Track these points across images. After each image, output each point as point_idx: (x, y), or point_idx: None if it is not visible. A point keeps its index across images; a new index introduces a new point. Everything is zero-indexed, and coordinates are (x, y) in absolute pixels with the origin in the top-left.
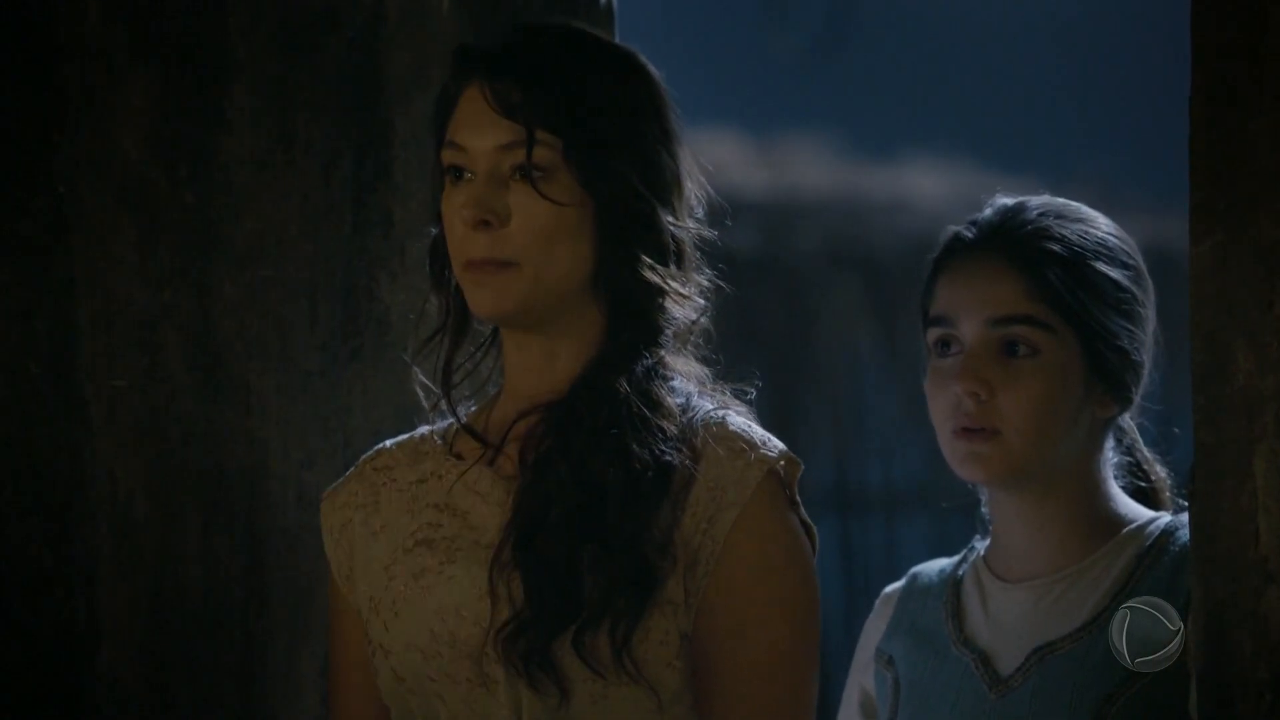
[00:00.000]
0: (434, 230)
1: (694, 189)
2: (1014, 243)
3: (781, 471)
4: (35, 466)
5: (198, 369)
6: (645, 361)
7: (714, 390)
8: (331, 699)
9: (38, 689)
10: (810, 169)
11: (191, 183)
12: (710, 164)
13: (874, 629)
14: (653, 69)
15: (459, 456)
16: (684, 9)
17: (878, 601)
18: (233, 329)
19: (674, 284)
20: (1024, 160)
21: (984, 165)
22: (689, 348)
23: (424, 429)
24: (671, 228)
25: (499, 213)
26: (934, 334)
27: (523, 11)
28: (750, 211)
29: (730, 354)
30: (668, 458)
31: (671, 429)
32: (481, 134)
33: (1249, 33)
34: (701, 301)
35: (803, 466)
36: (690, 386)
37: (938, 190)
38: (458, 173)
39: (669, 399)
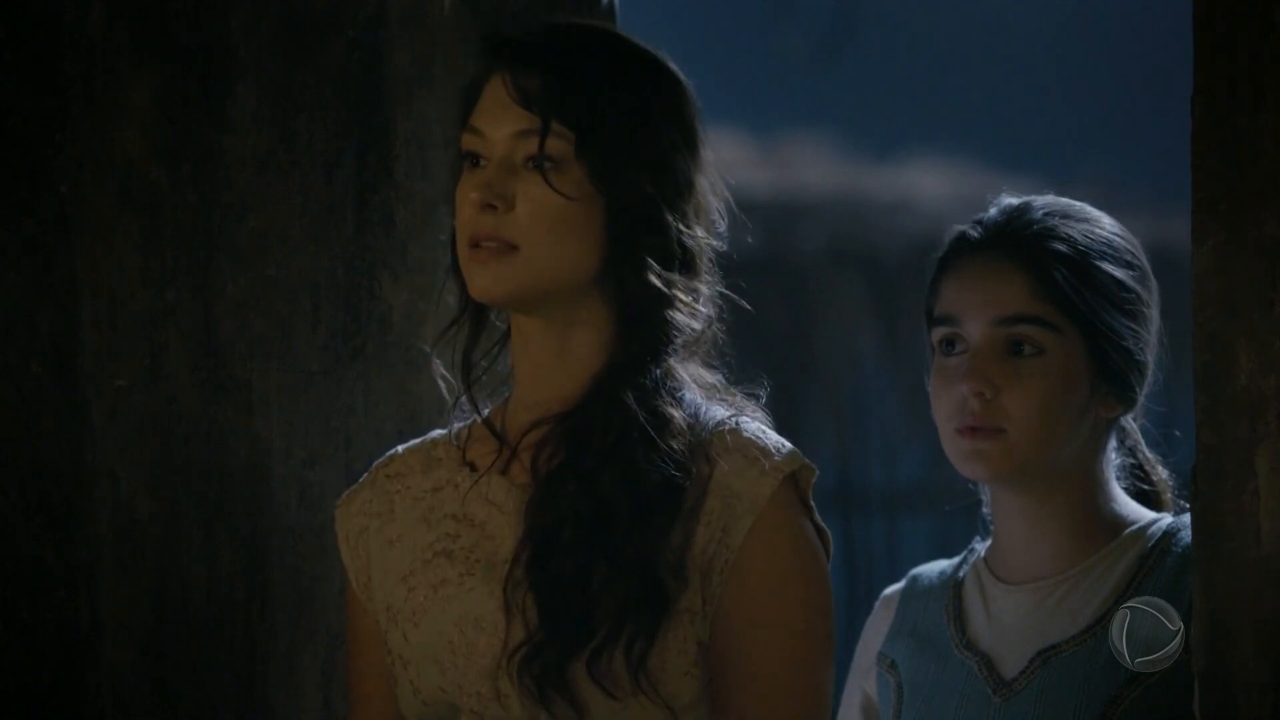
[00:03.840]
0: (454, 220)
1: (714, 200)
2: (1019, 242)
3: (796, 479)
4: (37, 466)
5: (200, 369)
6: (654, 374)
7: (726, 396)
8: (352, 706)
9: (40, 688)
10: (813, 169)
11: (194, 182)
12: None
13: (875, 631)
14: (680, 74)
15: (472, 465)
16: (686, 8)
17: (877, 604)
18: (235, 328)
19: (678, 291)
20: (1027, 160)
21: (987, 165)
22: (698, 357)
23: (436, 432)
24: (681, 234)
25: (505, 197)
26: (939, 333)
27: (525, 12)
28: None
29: (732, 354)
30: (677, 478)
31: (680, 447)
32: (499, 121)
33: (1249, 33)
34: (708, 311)
35: (817, 473)
36: (698, 396)
37: (940, 190)
38: (475, 160)
39: (678, 415)
